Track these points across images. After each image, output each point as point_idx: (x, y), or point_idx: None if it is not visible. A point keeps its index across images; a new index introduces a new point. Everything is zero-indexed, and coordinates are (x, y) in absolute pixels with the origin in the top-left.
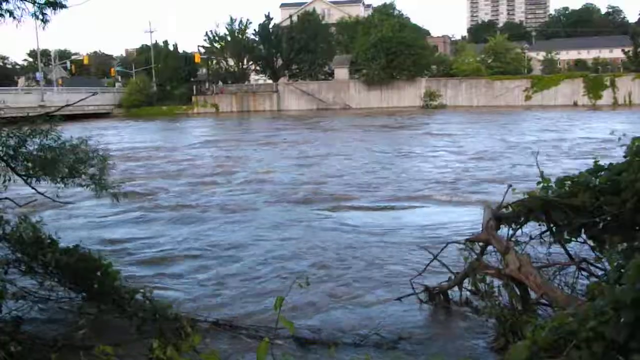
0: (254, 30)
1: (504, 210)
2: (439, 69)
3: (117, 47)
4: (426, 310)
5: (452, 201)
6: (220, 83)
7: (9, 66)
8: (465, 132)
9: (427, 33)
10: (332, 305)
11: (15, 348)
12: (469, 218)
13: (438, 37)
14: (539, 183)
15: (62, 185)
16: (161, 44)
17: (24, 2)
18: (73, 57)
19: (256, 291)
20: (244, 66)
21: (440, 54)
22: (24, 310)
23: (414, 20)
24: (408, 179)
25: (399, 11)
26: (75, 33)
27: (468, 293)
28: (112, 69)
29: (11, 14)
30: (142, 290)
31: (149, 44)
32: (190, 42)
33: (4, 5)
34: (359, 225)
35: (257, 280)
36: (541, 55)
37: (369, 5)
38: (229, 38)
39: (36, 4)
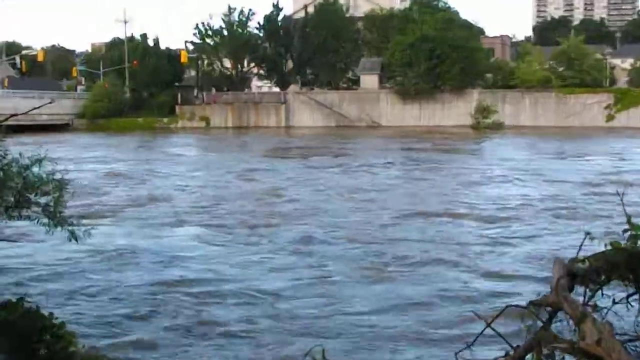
0: (258, 23)
1: (579, 265)
2: (496, 79)
3: (81, 40)
4: None
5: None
6: (212, 90)
7: None
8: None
9: (481, 32)
10: None
11: None
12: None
13: (495, 37)
14: (625, 231)
15: (5, 219)
16: (138, 37)
17: None
18: (24, 51)
19: None
20: (244, 69)
21: (497, 59)
22: None
23: (464, 16)
24: None
25: (445, 3)
26: (28, 22)
27: None
28: (74, 68)
29: None
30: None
31: (122, 37)
32: (176, 36)
33: None
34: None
35: None
36: (628, 62)
37: None
38: (225, 32)
39: None
